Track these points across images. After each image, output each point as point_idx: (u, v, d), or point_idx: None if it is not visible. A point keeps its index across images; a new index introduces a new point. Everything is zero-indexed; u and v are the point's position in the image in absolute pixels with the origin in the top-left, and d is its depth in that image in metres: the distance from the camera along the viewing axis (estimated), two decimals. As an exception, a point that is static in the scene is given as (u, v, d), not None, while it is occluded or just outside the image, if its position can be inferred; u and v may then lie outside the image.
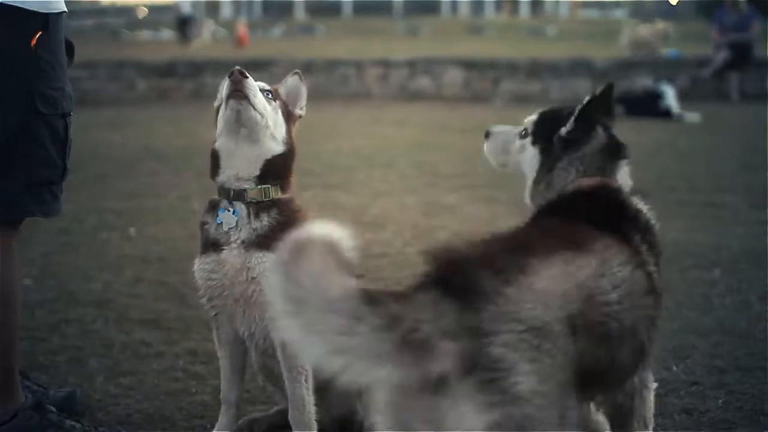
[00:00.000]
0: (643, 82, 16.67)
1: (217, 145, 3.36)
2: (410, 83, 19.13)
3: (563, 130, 3.12)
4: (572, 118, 3.10)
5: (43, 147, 3.23)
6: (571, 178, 3.08)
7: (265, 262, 3.17)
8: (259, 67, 19.21)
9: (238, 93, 3.25)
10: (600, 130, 3.13)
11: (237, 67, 3.31)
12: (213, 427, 3.55)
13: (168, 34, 40.35)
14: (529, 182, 3.19)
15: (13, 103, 3.16)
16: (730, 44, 18.29)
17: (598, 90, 3.09)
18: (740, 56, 18.16)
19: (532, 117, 3.28)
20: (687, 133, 13.62)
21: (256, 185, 3.30)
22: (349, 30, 43.48)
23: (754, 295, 5.40)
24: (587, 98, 3.10)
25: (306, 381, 3.30)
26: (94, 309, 5.14)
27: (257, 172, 3.31)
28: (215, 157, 3.37)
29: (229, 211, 3.29)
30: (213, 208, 3.35)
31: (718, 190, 8.93)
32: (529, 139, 3.24)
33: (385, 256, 6.29)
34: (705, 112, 15.45)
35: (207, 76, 17.95)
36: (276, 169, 3.34)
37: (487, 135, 3.41)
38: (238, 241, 3.26)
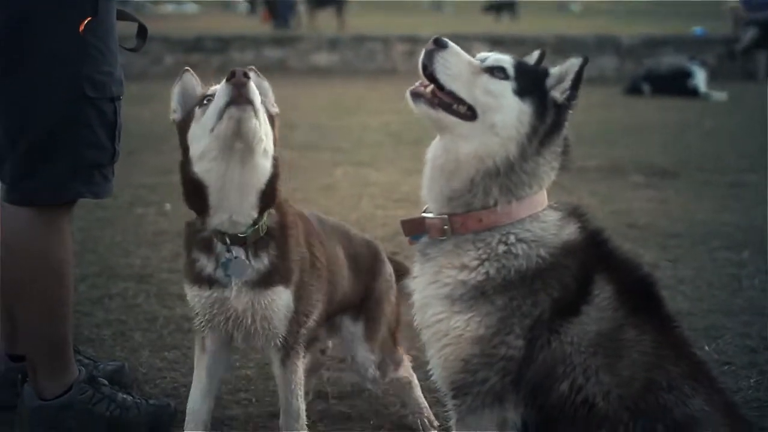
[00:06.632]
0: (673, 60, 16.59)
1: (200, 170, 2.85)
2: (438, 60, 19.05)
3: (560, 94, 2.40)
4: (570, 81, 2.40)
5: (92, 130, 3.26)
6: (547, 181, 2.43)
7: (274, 300, 2.96)
8: (285, 43, 19.29)
9: (242, 98, 2.74)
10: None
11: (238, 68, 2.79)
12: (257, 400, 3.65)
13: (191, 7, 40.17)
14: (501, 155, 2.34)
15: (61, 87, 3.20)
16: (758, 22, 18.22)
17: (580, 59, 2.43)
18: (768, 35, 18.10)
19: (503, 57, 2.46)
20: (713, 112, 13.61)
21: (253, 225, 2.92)
22: (371, 3, 43.25)
23: (783, 276, 5.46)
24: (582, 60, 2.42)
25: (301, 390, 3.15)
26: (135, 284, 5.24)
27: (254, 213, 2.90)
28: (199, 188, 2.88)
29: (233, 259, 2.91)
30: (205, 247, 2.97)
31: (745, 170, 8.95)
32: (511, 86, 2.38)
33: (418, 234, 6.34)
34: (731, 91, 15.42)
35: (234, 51, 18.03)
36: (267, 197, 2.93)
37: (443, 44, 2.44)
38: (240, 283, 2.94)
